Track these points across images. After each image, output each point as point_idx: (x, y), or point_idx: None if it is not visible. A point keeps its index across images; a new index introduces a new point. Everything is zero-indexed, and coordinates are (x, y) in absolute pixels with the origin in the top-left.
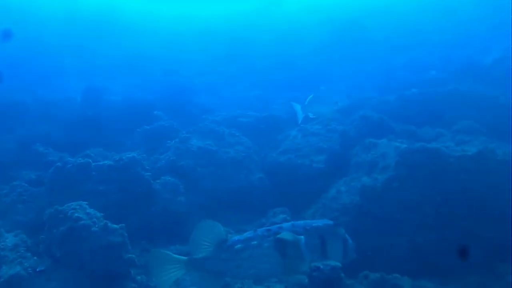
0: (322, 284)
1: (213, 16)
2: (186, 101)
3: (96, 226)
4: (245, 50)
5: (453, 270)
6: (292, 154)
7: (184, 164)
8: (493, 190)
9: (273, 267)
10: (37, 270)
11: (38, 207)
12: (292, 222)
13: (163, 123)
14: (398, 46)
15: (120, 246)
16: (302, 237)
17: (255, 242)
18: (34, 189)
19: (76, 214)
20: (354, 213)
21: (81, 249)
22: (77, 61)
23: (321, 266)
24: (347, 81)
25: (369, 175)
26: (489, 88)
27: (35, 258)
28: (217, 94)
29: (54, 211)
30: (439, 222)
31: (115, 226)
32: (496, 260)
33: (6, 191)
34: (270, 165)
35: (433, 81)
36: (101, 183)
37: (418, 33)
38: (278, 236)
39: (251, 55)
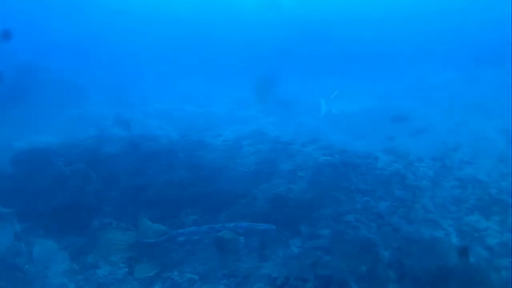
0: None
1: (177, 5)
2: (129, 89)
3: None
4: (205, 44)
5: None
6: (219, 154)
7: (103, 153)
8: None
9: (212, 262)
10: None
11: None
12: (236, 222)
13: (93, 109)
14: (355, 58)
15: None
16: (242, 237)
17: (197, 237)
18: None
19: None
20: (261, 221)
21: None
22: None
23: None
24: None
25: (287, 184)
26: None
27: None
28: (167, 84)
29: None
30: (352, 240)
31: (4, 210)
32: None
33: None
34: (195, 164)
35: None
36: (11, 165)
37: (378, 47)
38: (219, 234)
39: (211, 49)
